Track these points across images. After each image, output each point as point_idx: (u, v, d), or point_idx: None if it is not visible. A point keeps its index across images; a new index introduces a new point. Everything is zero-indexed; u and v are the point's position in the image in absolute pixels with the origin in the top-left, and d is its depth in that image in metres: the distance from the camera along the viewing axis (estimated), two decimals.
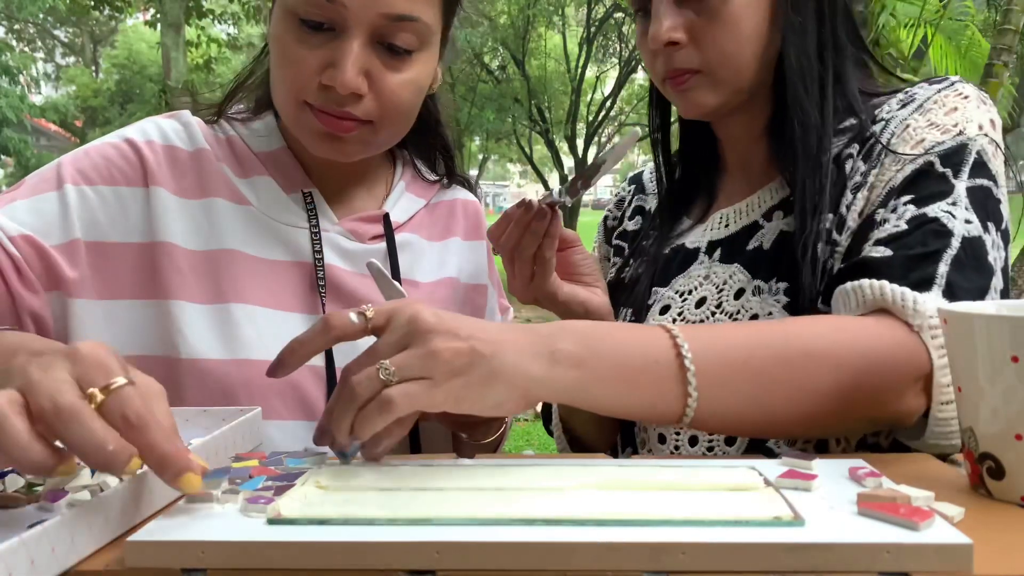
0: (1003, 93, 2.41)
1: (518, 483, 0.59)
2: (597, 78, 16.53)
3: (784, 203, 0.92)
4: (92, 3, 11.82)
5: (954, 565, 0.47)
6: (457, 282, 1.04)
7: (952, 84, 0.86)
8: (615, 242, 1.11)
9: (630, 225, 1.11)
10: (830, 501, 0.55)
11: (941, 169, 0.79)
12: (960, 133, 0.81)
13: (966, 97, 0.84)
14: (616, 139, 16.62)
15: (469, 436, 0.90)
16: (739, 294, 0.90)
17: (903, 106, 0.86)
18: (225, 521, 0.52)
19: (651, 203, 1.09)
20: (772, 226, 0.91)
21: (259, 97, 0.97)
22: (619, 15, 13.43)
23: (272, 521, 0.52)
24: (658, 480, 0.59)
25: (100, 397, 0.50)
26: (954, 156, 0.80)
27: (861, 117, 0.88)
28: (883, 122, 0.86)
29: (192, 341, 0.85)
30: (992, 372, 0.59)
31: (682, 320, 0.93)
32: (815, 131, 0.87)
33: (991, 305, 0.66)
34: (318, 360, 0.88)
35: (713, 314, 0.90)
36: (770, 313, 0.86)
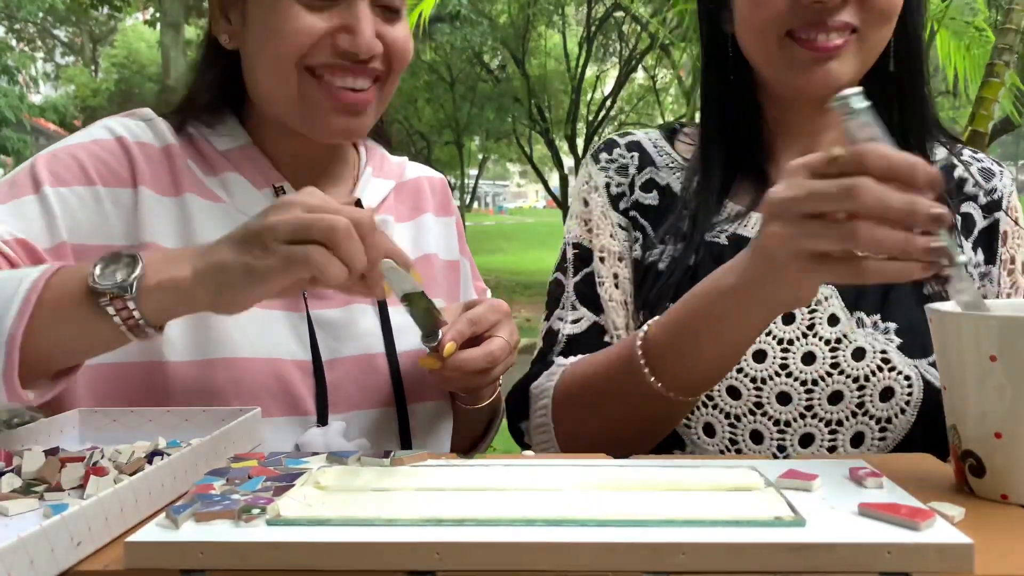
0: (1004, 93, 2.41)
1: (518, 483, 0.59)
2: (597, 77, 16.51)
3: None
4: (90, 2, 11.79)
5: (955, 565, 0.47)
6: (437, 259, 1.03)
7: (1013, 178, 0.98)
8: (631, 213, 0.99)
9: (646, 198, 0.99)
10: (831, 501, 0.55)
11: None
12: None
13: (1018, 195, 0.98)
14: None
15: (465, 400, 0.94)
16: (832, 320, 0.87)
17: (985, 179, 0.97)
18: (224, 522, 0.52)
19: (666, 179, 0.99)
20: None
21: (207, 103, 0.95)
22: (619, 14, 13.43)
23: (272, 522, 0.52)
24: (658, 480, 0.59)
25: None
26: None
27: (949, 148, 0.97)
28: (971, 185, 0.96)
29: (177, 344, 0.84)
30: (973, 371, 0.59)
31: (768, 335, 0.87)
32: (921, 131, 0.93)
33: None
34: (304, 355, 0.88)
35: (805, 335, 0.87)
36: (883, 351, 0.85)
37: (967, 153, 0.99)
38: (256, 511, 0.52)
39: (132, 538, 0.50)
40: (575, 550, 0.48)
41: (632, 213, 0.98)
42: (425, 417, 0.95)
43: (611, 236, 0.98)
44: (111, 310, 0.66)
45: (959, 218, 0.94)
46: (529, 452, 0.94)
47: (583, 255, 0.98)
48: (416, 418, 0.93)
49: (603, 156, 1.02)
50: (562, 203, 15.11)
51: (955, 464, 0.62)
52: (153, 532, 0.51)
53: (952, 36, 3.05)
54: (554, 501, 0.54)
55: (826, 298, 0.88)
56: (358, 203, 0.95)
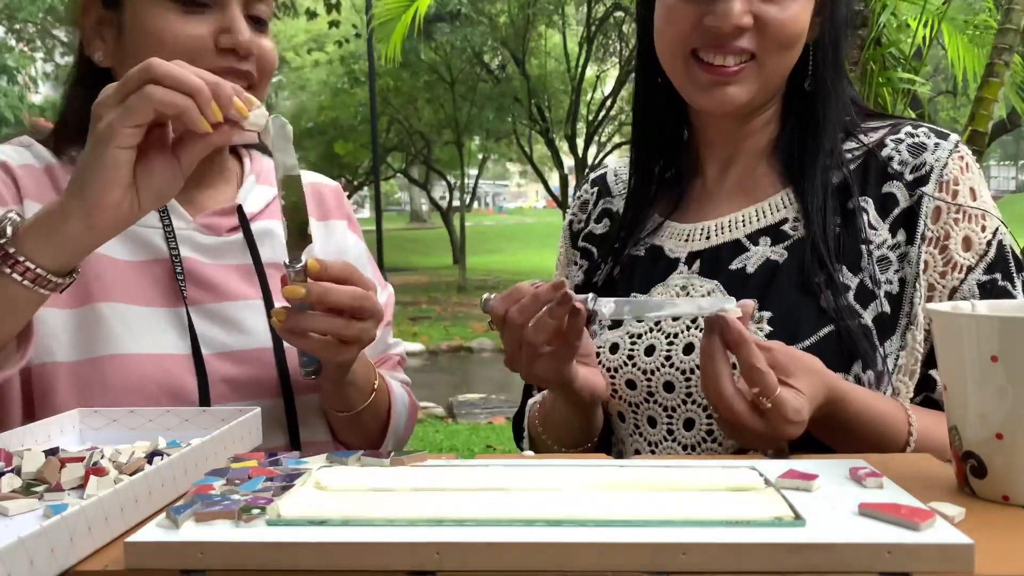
0: (1004, 93, 2.41)
1: (519, 483, 0.59)
2: (597, 77, 16.50)
3: (772, 229, 0.94)
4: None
5: (955, 565, 0.47)
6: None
7: (958, 150, 0.91)
8: (581, 244, 1.09)
9: (597, 228, 1.08)
10: (831, 501, 0.55)
11: (1002, 283, 0.89)
12: (992, 234, 0.89)
13: (969, 166, 0.91)
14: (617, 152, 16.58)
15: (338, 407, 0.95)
16: None
17: (913, 155, 0.91)
18: (224, 522, 0.52)
19: (618, 205, 1.08)
20: (758, 251, 0.93)
21: (80, 123, 0.96)
22: (619, 14, 13.43)
23: (271, 522, 0.52)
24: (658, 481, 0.59)
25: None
26: (1002, 263, 0.89)
27: (864, 142, 0.94)
28: (896, 163, 0.92)
29: (65, 344, 0.88)
30: (974, 372, 0.59)
31: (658, 329, 0.93)
32: (830, 142, 0.92)
33: (982, 305, 0.66)
34: (186, 349, 0.92)
35: (688, 328, 0.91)
36: None
37: (905, 130, 0.94)
38: (256, 511, 0.52)
39: (132, 538, 0.50)
40: (575, 550, 0.48)
41: (582, 244, 1.09)
42: (313, 407, 0.99)
43: (567, 277, 1.09)
44: (5, 269, 0.70)
45: (871, 201, 0.91)
46: (529, 452, 0.95)
47: None
48: (305, 409, 0.98)
49: (576, 194, 1.14)
50: (562, 203, 15.11)
51: (956, 465, 0.62)
52: (153, 532, 0.51)
53: (955, 32, 3.06)
54: (554, 501, 0.54)
55: (710, 292, 0.92)
56: (239, 209, 1.02)
